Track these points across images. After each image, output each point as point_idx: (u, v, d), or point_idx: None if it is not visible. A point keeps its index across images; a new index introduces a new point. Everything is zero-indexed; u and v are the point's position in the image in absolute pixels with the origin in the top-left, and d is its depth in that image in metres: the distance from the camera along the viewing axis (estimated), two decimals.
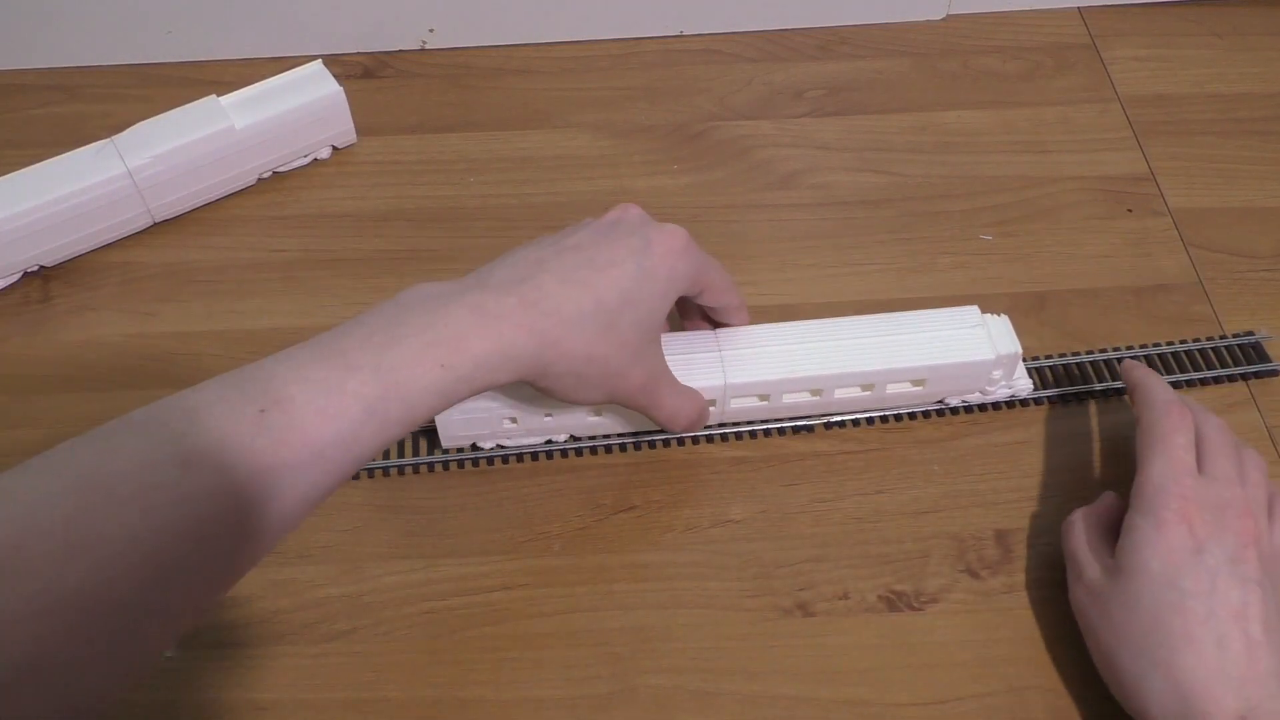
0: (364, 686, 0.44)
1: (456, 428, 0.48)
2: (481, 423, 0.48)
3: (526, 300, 0.39)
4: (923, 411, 0.51)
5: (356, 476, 0.49)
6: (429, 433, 0.50)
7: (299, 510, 0.35)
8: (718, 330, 0.49)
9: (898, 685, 0.44)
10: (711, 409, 0.48)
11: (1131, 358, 0.53)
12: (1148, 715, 0.39)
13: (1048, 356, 0.53)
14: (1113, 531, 0.44)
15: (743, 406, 0.49)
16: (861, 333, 0.48)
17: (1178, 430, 0.44)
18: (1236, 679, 0.38)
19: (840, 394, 0.49)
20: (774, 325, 0.49)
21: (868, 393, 0.49)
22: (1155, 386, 0.46)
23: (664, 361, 0.45)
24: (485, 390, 0.39)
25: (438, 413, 0.38)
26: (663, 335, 0.47)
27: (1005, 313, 0.50)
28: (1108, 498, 0.46)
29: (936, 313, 0.49)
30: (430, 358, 0.37)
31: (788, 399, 0.49)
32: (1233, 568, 0.40)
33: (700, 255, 0.44)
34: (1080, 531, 0.45)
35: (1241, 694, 0.38)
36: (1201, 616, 0.39)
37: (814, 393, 0.48)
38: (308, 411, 0.34)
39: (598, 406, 0.48)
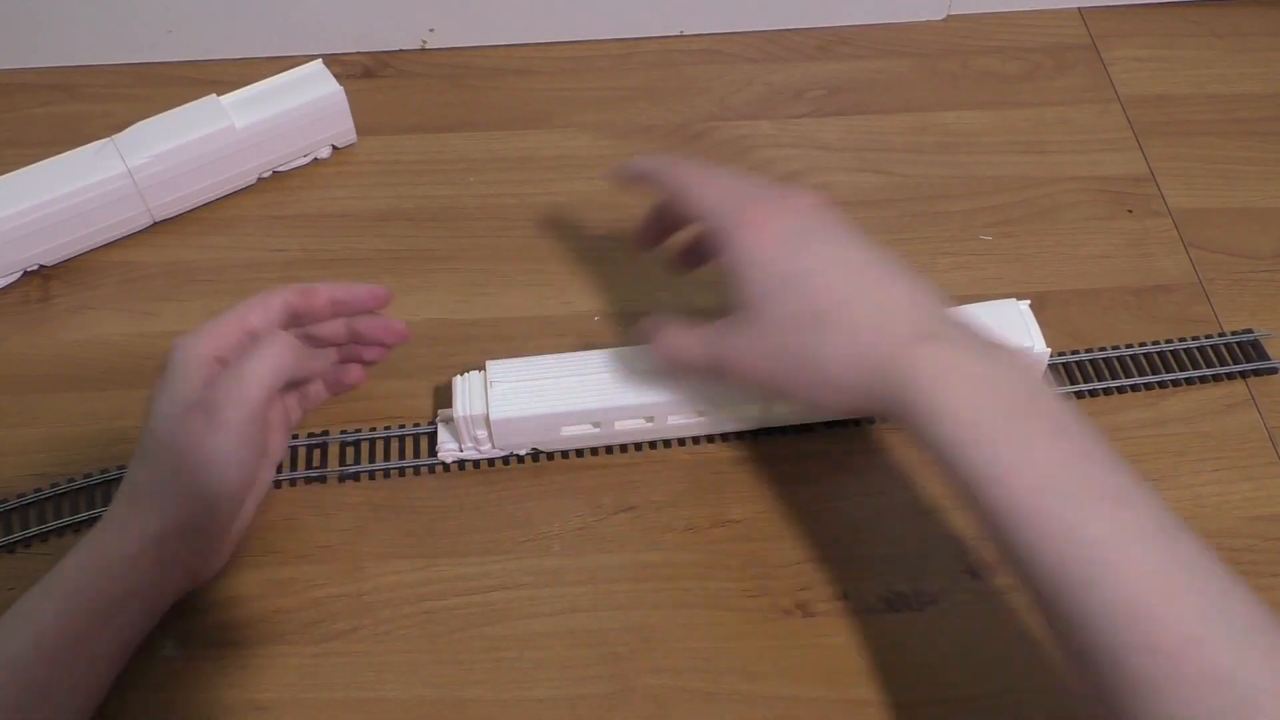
0: (364, 686, 0.44)
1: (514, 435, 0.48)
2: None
3: None
4: None
5: (357, 478, 0.49)
6: (430, 434, 0.50)
7: None
8: None
9: (898, 685, 0.44)
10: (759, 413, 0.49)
11: (1130, 357, 0.53)
12: (840, 388, 0.40)
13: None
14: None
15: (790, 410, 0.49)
16: None
17: (690, 170, 0.45)
18: (906, 310, 0.39)
19: None
20: None
21: None
22: (658, 166, 0.46)
23: None
24: None
25: None
26: None
27: None
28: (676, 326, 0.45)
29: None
30: None
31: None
32: (830, 232, 0.42)
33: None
34: (678, 333, 0.44)
35: (918, 319, 0.39)
36: (842, 280, 0.40)
37: None
38: None
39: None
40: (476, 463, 0.50)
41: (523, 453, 0.50)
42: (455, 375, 0.48)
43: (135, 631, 0.42)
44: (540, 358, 0.48)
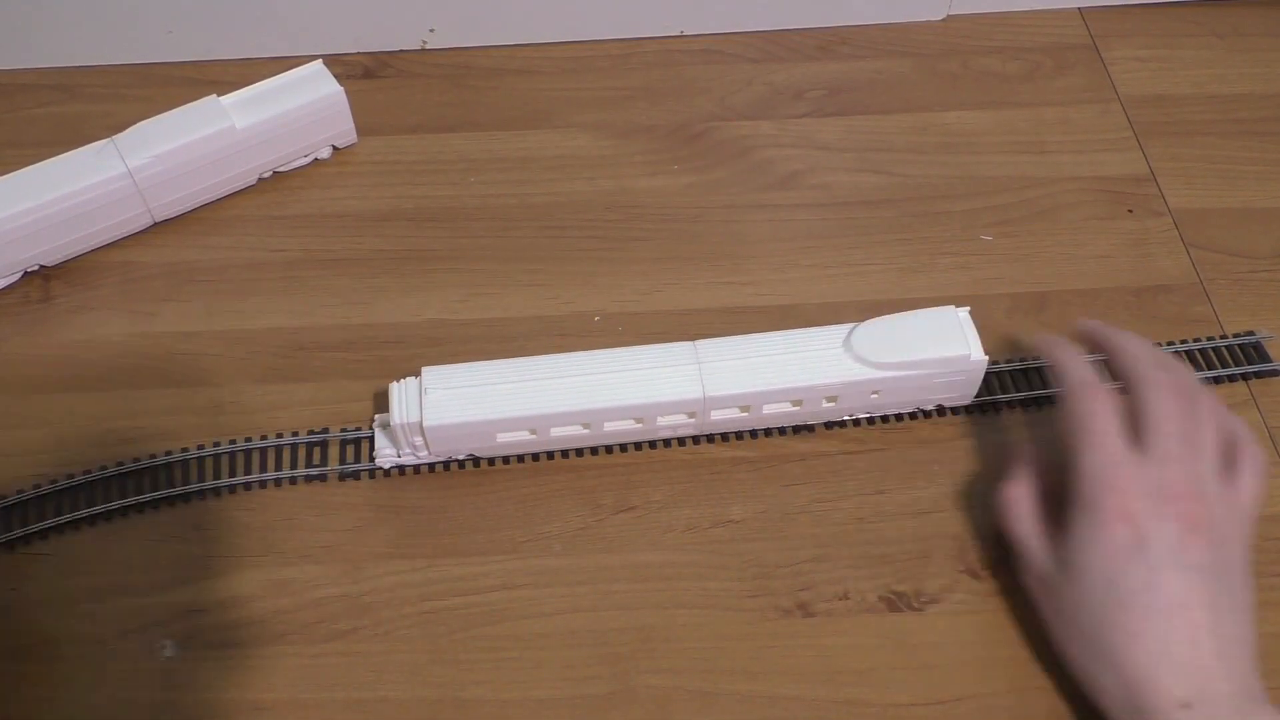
0: (364, 686, 0.44)
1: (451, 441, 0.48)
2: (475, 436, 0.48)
3: None
4: (923, 412, 0.51)
5: (357, 477, 0.49)
6: None
7: None
8: (696, 342, 0.48)
9: (898, 685, 0.44)
10: (692, 419, 0.48)
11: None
12: (1099, 704, 0.40)
13: None
14: (1053, 503, 0.44)
15: (724, 418, 0.49)
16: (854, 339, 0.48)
17: (1098, 414, 0.43)
18: (1181, 667, 0.39)
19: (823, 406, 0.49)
20: (752, 336, 0.49)
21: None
22: (1070, 365, 0.45)
23: None
24: None
25: None
26: (639, 348, 0.48)
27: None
28: (1031, 455, 0.46)
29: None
30: None
31: (768, 409, 0.49)
32: (1176, 557, 0.40)
33: None
34: (1024, 514, 0.45)
35: (1187, 682, 0.38)
36: (1143, 613, 0.40)
37: (795, 403, 0.49)
38: None
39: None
40: (476, 461, 0.50)
41: (461, 458, 0.49)
42: (391, 382, 0.48)
43: None
44: (479, 364, 0.48)
